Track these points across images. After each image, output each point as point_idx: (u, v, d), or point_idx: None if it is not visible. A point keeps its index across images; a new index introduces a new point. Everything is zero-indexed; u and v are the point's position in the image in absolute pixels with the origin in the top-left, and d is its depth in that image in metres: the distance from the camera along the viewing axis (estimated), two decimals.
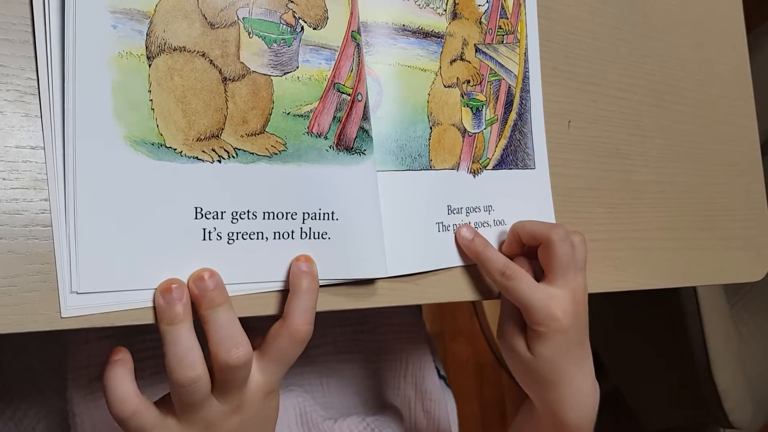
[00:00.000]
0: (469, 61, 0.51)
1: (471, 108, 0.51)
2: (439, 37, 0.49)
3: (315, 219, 0.42)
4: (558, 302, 0.46)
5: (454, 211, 0.50)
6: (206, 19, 0.38)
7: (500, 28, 0.53)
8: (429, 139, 0.48)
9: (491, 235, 0.52)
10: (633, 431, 1.28)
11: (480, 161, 0.52)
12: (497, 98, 0.53)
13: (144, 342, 0.56)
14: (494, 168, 0.53)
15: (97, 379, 0.55)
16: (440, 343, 1.51)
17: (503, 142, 0.54)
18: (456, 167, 0.50)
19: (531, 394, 0.51)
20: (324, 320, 0.44)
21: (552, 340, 0.47)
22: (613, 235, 0.61)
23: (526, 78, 0.56)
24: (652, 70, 0.66)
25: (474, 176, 0.52)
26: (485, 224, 0.52)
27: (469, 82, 0.51)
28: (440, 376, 0.72)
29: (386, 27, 0.47)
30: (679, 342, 1.04)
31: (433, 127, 0.49)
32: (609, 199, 0.61)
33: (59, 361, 0.57)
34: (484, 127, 0.52)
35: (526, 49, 0.56)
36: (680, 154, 0.67)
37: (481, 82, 0.52)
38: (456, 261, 0.50)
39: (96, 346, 0.56)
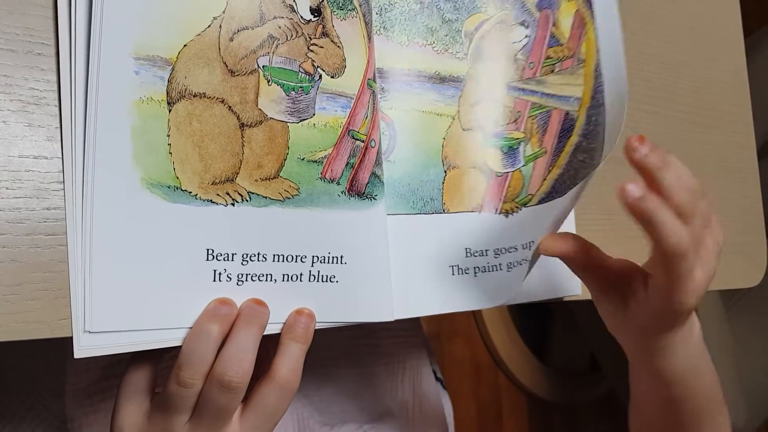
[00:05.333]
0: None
1: (502, 148, 0.51)
2: (457, 81, 0.50)
3: (323, 262, 0.42)
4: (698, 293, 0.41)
5: (476, 254, 0.49)
6: (227, 66, 0.39)
7: (549, 57, 0.53)
8: (442, 183, 0.49)
9: (534, 273, 0.50)
10: None
11: (516, 200, 0.51)
12: (545, 130, 0.52)
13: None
14: (540, 202, 0.52)
15: (95, 384, 0.55)
16: (437, 344, 1.52)
17: (557, 171, 0.52)
18: (478, 209, 0.50)
19: (636, 344, 0.47)
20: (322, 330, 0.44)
21: (687, 327, 0.45)
22: (610, 241, 0.61)
23: (598, 93, 0.53)
24: (649, 77, 0.66)
25: (506, 216, 0.51)
26: (524, 261, 0.49)
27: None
28: (437, 379, 0.72)
29: (402, 73, 0.47)
30: None
31: (447, 171, 0.49)
32: (606, 205, 0.61)
33: (58, 366, 0.57)
34: (522, 164, 0.52)
35: (598, 64, 0.53)
36: None
37: (516, 120, 0.52)
38: (470, 305, 0.49)
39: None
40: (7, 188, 0.35)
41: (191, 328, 0.38)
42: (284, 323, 0.41)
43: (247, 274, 0.40)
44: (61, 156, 0.36)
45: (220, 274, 0.39)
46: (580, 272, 0.45)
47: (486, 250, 0.50)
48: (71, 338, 0.36)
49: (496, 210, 0.51)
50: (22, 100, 0.35)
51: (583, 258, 0.44)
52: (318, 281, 0.42)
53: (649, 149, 0.38)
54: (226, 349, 0.37)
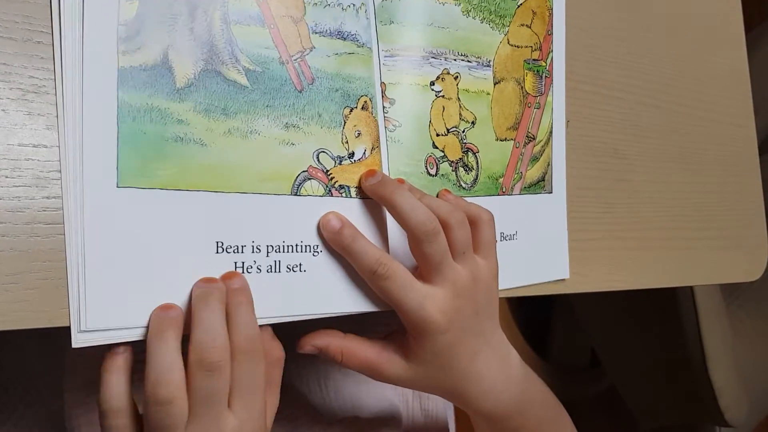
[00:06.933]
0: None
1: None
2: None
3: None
4: (434, 301, 0.43)
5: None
6: None
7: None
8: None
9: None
10: (629, 429, 1.29)
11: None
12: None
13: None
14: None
15: (94, 381, 0.55)
16: None
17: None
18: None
19: (441, 396, 0.49)
20: (324, 321, 0.44)
21: (431, 342, 0.44)
22: (610, 235, 0.61)
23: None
24: (650, 70, 0.66)
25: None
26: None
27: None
28: None
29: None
30: (675, 340, 1.05)
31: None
32: (606, 199, 0.61)
33: (58, 362, 0.57)
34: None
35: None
36: (677, 154, 0.67)
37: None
38: None
39: (93, 348, 0.56)
40: (6, 177, 0.35)
41: (147, 344, 0.37)
42: (217, 289, 0.39)
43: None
44: (58, 145, 0.36)
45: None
46: (338, 363, 0.45)
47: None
48: (70, 333, 0.36)
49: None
50: (21, 89, 0.35)
51: (338, 350, 0.45)
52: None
53: (340, 227, 0.43)
54: (192, 336, 0.36)
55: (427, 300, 0.43)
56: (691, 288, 1.00)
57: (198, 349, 0.36)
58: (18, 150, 0.35)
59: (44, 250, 0.35)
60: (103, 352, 0.55)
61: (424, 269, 0.44)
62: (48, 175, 0.36)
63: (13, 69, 0.35)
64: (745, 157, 0.74)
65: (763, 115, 0.82)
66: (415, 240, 0.42)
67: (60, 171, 0.36)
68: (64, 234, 0.35)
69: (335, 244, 0.43)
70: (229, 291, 0.38)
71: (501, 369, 0.47)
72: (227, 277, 0.39)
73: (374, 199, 0.45)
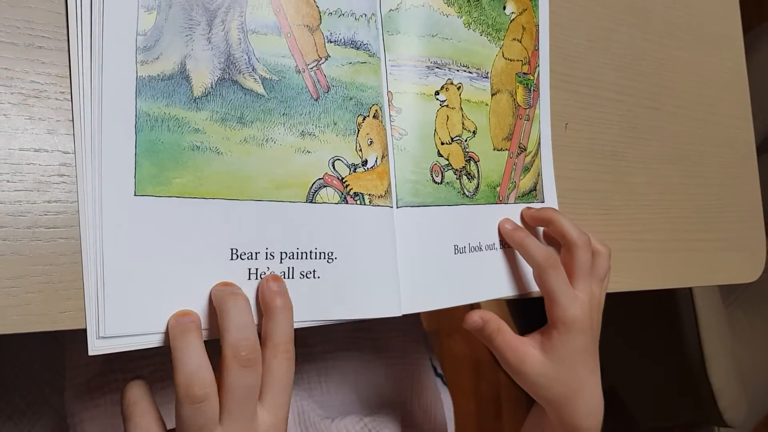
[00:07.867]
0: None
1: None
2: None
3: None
4: (580, 303, 0.49)
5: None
6: None
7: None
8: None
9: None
10: (629, 429, 1.29)
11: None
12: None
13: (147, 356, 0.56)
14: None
15: (95, 378, 0.55)
16: (437, 341, 1.52)
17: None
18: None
19: (550, 407, 0.51)
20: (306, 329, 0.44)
21: (572, 339, 0.49)
22: (609, 237, 0.61)
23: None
24: (648, 72, 0.66)
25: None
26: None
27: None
28: (437, 374, 0.73)
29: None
30: (674, 341, 1.05)
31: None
32: (605, 201, 0.61)
33: (58, 360, 0.57)
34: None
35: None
36: (676, 155, 0.68)
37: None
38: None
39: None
40: (7, 181, 0.35)
41: (172, 347, 0.36)
42: (258, 291, 0.40)
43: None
44: (73, 152, 0.36)
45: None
46: (491, 339, 0.51)
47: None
48: (70, 332, 0.36)
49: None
50: (22, 93, 0.35)
51: (497, 327, 0.50)
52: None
53: (512, 228, 0.52)
54: (226, 333, 0.36)
55: (576, 300, 0.49)
56: (690, 289, 1.00)
57: (233, 346, 0.36)
58: (19, 154, 0.35)
59: (46, 254, 0.35)
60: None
61: (570, 275, 0.50)
62: (49, 179, 0.36)
63: (15, 74, 0.35)
64: (744, 158, 0.74)
65: (761, 116, 0.82)
66: (573, 247, 0.50)
67: (63, 175, 0.36)
68: (80, 240, 0.36)
69: (512, 239, 0.52)
70: (269, 292, 0.39)
71: (601, 396, 0.52)
72: (268, 279, 0.39)
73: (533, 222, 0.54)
